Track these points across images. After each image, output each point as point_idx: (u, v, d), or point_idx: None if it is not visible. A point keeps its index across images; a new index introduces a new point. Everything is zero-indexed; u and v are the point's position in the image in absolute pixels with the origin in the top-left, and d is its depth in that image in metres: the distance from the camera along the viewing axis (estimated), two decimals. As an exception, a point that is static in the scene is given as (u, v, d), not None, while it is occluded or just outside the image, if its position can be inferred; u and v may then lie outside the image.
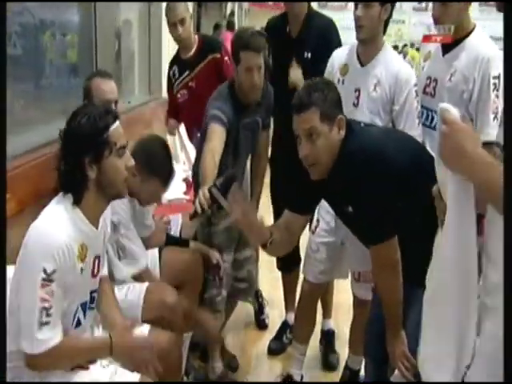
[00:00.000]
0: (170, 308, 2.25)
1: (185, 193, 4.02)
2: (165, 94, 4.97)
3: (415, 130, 2.44)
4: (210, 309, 2.70)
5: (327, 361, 3.13)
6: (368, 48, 2.54)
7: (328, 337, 3.23)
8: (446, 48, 2.42)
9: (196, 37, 3.39)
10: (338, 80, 2.61)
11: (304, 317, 2.80)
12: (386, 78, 2.50)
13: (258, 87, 2.55)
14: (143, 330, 2.05)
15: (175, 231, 3.01)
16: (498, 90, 2.30)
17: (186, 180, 4.05)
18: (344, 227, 2.29)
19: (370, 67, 2.53)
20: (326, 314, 3.26)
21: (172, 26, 3.22)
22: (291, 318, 3.23)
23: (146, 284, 2.32)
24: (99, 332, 1.98)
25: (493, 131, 2.23)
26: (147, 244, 2.51)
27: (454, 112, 1.25)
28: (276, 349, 3.23)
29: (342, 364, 2.99)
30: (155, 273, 2.51)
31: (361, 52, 2.58)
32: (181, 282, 2.51)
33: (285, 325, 3.33)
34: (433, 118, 2.48)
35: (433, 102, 2.48)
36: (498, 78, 2.30)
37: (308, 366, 2.95)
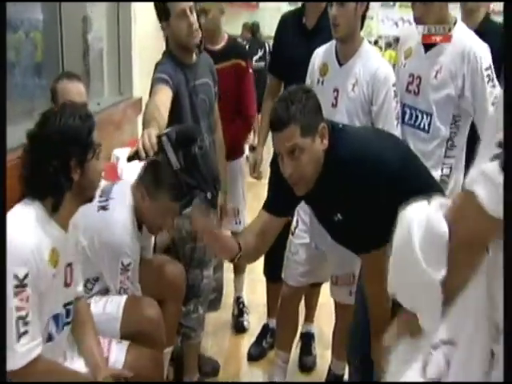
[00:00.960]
0: (150, 322, 2.16)
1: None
2: (136, 93, 4.91)
3: (394, 131, 2.36)
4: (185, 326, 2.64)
5: (302, 363, 3.12)
6: (346, 46, 2.47)
7: (306, 339, 3.21)
8: (428, 45, 2.37)
9: (225, 35, 3.24)
10: (318, 80, 2.56)
11: (286, 322, 2.76)
12: (364, 76, 2.43)
13: (196, 29, 2.43)
14: (122, 348, 1.97)
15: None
16: (492, 81, 2.26)
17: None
18: (319, 233, 2.22)
19: (349, 66, 2.47)
20: (309, 318, 3.24)
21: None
22: (272, 322, 3.21)
23: (125, 296, 2.21)
24: (75, 357, 1.90)
25: None
26: None
27: None
28: (256, 354, 3.20)
29: (320, 365, 3.00)
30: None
31: (339, 50, 2.51)
32: (163, 295, 2.40)
33: (265, 329, 3.29)
34: (417, 117, 2.41)
35: (416, 100, 2.42)
36: (490, 68, 2.26)
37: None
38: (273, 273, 3.08)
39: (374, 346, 1.98)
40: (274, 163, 2.18)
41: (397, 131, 2.38)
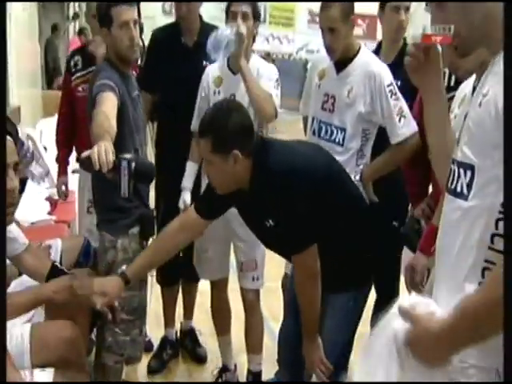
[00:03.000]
0: (71, 344, 2.03)
1: (49, 213, 3.65)
2: (14, 101, 4.56)
3: None
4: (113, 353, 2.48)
5: (197, 355, 3.26)
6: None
7: (191, 334, 3.32)
8: (339, 67, 2.57)
9: None
10: (214, 91, 2.74)
11: (218, 311, 3.00)
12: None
13: (137, 43, 2.41)
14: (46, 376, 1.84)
15: (55, 257, 2.64)
16: (395, 94, 2.49)
17: (49, 199, 3.68)
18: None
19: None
20: (187, 314, 3.33)
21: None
22: (171, 333, 3.23)
23: (28, 325, 2.04)
24: None
25: (402, 131, 2.48)
26: (24, 267, 2.24)
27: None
28: (157, 367, 3.14)
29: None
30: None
31: (231, 64, 2.70)
32: (68, 314, 2.20)
33: (164, 341, 3.23)
34: (332, 132, 2.59)
35: (332, 117, 2.59)
36: (391, 84, 2.50)
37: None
38: (165, 278, 3.10)
39: (307, 346, 2.08)
40: None
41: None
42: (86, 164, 1.85)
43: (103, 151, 1.81)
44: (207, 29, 2.91)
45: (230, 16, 2.61)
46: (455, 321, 1.14)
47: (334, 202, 2.03)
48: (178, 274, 3.16)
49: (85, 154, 1.86)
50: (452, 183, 1.30)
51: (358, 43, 2.60)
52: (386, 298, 2.58)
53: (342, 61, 2.54)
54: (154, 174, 2.08)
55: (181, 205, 2.75)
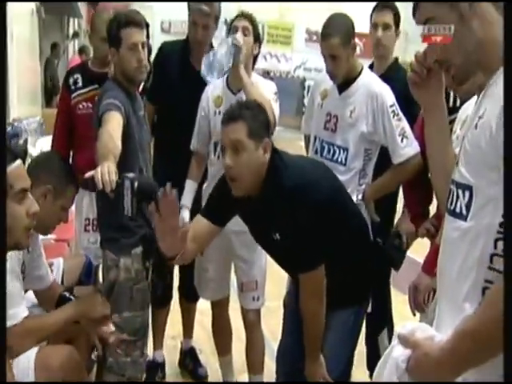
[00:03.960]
0: (72, 370, 2.02)
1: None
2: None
3: None
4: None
5: (197, 375, 3.23)
6: (238, 80, 2.64)
7: (191, 353, 3.30)
8: (341, 87, 2.60)
9: None
10: (215, 112, 2.72)
11: (220, 331, 2.99)
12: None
13: (145, 65, 2.43)
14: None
15: (57, 276, 2.64)
16: (397, 115, 2.52)
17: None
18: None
19: (241, 95, 2.65)
20: (187, 333, 3.30)
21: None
22: (160, 355, 3.17)
23: (35, 349, 2.04)
24: None
25: (404, 151, 2.50)
26: (41, 300, 2.26)
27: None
28: None
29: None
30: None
31: (231, 83, 2.72)
32: (68, 335, 2.24)
33: (154, 364, 3.14)
34: (334, 152, 2.61)
35: (334, 136, 2.61)
36: (394, 105, 2.53)
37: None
38: (159, 298, 3.02)
39: (309, 365, 2.08)
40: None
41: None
42: (89, 184, 1.89)
43: (106, 171, 1.85)
44: None
45: (232, 31, 2.63)
46: (455, 343, 1.15)
47: (338, 219, 2.05)
48: (170, 295, 3.15)
49: (88, 174, 1.89)
50: (451, 204, 1.31)
51: (361, 64, 2.63)
52: (378, 312, 2.63)
53: (345, 81, 2.56)
54: (157, 193, 2.06)
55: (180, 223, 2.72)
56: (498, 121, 1.15)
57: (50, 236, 3.63)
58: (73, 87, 3.07)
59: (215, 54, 2.55)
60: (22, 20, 5.93)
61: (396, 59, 2.99)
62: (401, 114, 2.51)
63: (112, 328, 2.20)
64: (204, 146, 2.79)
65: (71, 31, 10.69)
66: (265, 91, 2.65)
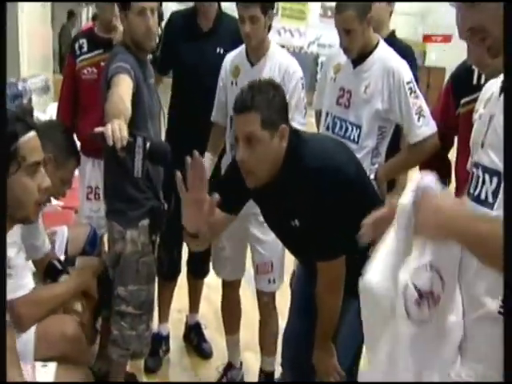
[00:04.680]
0: (72, 341, 1.98)
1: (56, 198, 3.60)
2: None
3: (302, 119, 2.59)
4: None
5: (202, 350, 3.21)
6: (257, 50, 2.59)
7: (196, 328, 3.28)
8: (356, 61, 2.49)
9: None
10: (232, 82, 2.64)
11: (229, 310, 2.91)
12: (275, 73, 2.55)
13: (154, 32, 2.35)
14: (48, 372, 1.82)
15: (60, 247, 2.61)
16: (415, 92, 2.41)
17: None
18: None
19: (260, 66, 2.59)
20: (193, 308, 3.28)
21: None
22: (165, 328, 3.15)
23: None
24: None
25: (421, 130, 2.39)
26: (38, 269, 2.19)
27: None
28: (153, 366, 3.04)
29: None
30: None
31: (250, 53, 2.62)
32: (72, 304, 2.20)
33: (158, 337, 3.13)
34: (347, 129, 2.50)
35: (347, 112, 2.51)
36: (411, 81, 2.42)
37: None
38: (166, 272, 2.99)
39: (320, 354, 2.00)
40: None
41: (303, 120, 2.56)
42: (97, 138, 1.76)
43: (118, 128, 1.75)
44: (224, 17, 2.88)
45: (240, 20, 2.50)
46: (466, 216, 1.12)
47: (361, 201, 1.90)
48: (178, 269, 3.10)
49: (98, 129, 1.78)
50: (475, 189, 1.24)
51: (377, 37, 2.51)
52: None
53: (359, 55, 2.46)
54: (170, 155, 1.98)
55: None
56: None
57: (56, 202, 3.63)
58: (78, 52, 3.02)
59: None
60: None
61: (392, 32, 2.92)
62: (418, 92, 2.42)
63: None
64: (223, 117, 2.69)
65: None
66: (286, 78, 2.52)
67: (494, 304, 1.18)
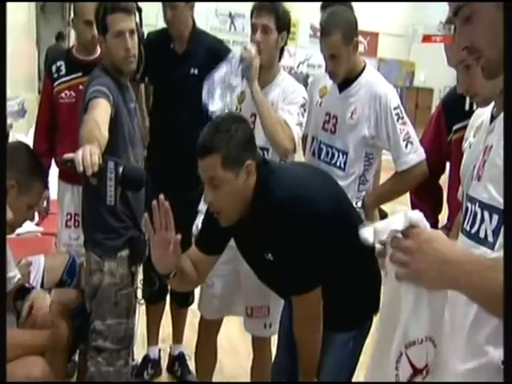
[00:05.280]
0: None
1: (37, 224, 3.49)
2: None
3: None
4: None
5: (185, 381, 3.09)
6: (265, 73, 2.46)
7: (180, 360, 3.14)
8: (342, 85, 2.43)
9: None
10: (236, 108, 2.53)
11: (205, 354, 2.71)
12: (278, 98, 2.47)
13: (134, 55, 2.27)
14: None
15: (36, 278, 2.49)
16: (402, 118, 2.36)
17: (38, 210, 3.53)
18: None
19: (265, 93, 2.46)
20: (176, 338, 3.17)
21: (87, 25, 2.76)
22: (154, 352, 3.10)
23: None
24: None
25: (408, 158, 2.33)
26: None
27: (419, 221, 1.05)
28: None
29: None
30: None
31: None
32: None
33: (146, 360, 3.08)
34: (333, 155, 2.44)
35: (333, 138, 2.45)
36: (398, 107, 2.37)
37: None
38: (153, 294, 2.85)
39: None
40: None
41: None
42: (69, 164, 1.70)
43: (88, 153, 1.68)
44: (200, 36, 2.83)
45: (252, 29, 2.43)
46: (478, 270, 0.97)
47: (338, 235, 1.86)
48: (165, 292, 3.00)
49: (68, 155, 1.72)
50: (472, 226, 1.15)
51: (363, 61, 2.46)
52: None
53: (346, 79, 2.39)
54: (145, 180, 1.91)
55: (194, 230, 2.47)
56: None
57: (36, 229, 3.53)
58: (55, 75, 2.93)
59: (212, 76, 2.36)
60: (18, 6, 5.78)
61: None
62: (406, 118, 2.36)
63: None
64: None
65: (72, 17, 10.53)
66: (288, 100, 2.41)
67: (496, 353, 1.09)
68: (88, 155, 1.67)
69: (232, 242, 2.04)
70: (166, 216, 1.70)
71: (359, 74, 2.40)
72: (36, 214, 3.58)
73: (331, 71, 2.37)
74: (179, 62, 2.80)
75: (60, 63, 2.94)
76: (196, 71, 2.75)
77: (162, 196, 1.67)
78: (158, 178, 2.45)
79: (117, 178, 1.74)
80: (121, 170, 1.75)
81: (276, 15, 2.37)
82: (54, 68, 2.94)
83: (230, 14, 15.07)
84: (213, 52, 2.69)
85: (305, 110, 2.43)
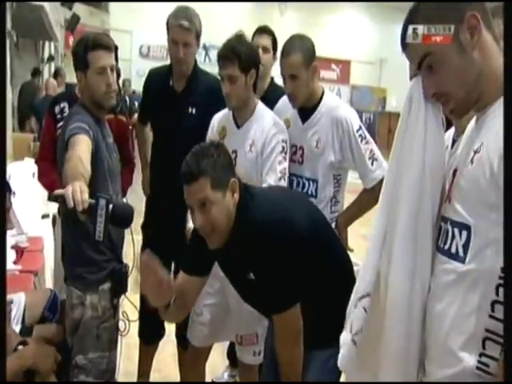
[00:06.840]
0: None
1: (15, 262, 3.47)
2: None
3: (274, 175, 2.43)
4: None
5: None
6: (241, 112, 2.54)
7: None
8: (304, 115, 2.50)
9: None
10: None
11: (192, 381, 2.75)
12: (258, 136, 2.50)
13: (114, 90, 2.32)
14: None
15: (17, 316, 2.47)
16: (365, 138, 2.44)
17: (15, 247, 3.51)
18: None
19: (245, 129, 2.53)
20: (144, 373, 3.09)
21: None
22: None
23: None
24: None
25: (375, 174, 2.42)
26: None
27: None
28: None
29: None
30: None
31: (236, 115, 2.56)
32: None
33: None
34: (304, 185, 2.52)
35: (301, 168, 2.52)
36: (360, 128, 2.45)
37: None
38: (148, 334, 2.96)
39: None
40: None
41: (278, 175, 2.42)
42: (57, 200, 1.75)
43: (78, 189, 1.72)
44: (199, 75, 2.86)
45: (220, 79, 2.47)
46: None
47: (315, 255, 1.93)
48: (161, 333, 3.02)
49: (58, 191, 1.75)
50: (445, 243, 1.23)
51: (321, 87, 2.53)
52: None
53: (306, 108, 2.46)
54: (133, 218, 1.94)
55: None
56: (500, 160, 1.07)
57: (14, 267, 3.50)
58: (59, 116, 2.96)
59: None
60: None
61: (271, 79, 3.01)
62: (368, 137, 2.44)
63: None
64: None
65: (46, 55, 10.57)
66: (267, 145, 2.44)
67: (471, 359, 1.14)
68: (78, 192, 1.71)
69: (220, 273, 2.09)
70: (153, 266, 1.83)
71: (319, 102, 2.47)
72: (13, 252, 3.60)
73: (291, 92, 2.43)
74: (178, 100, 2.80)
75: (64, 104, 2.97)
76: (194, 110, 2.78)
77: (147, 250, 1.82)
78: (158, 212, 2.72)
79: (107, 215, 1.76)
80: (111, 207, 1.78)
81: (239, 60, 2.37)
82: (57, 109, 2.98)
83: (205, 46, 15.23)
84: (212, 92, 2.68)
85: (286, 153, 2.45)
